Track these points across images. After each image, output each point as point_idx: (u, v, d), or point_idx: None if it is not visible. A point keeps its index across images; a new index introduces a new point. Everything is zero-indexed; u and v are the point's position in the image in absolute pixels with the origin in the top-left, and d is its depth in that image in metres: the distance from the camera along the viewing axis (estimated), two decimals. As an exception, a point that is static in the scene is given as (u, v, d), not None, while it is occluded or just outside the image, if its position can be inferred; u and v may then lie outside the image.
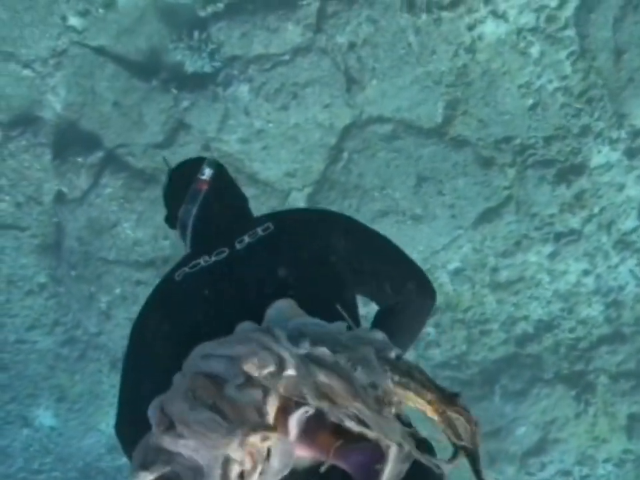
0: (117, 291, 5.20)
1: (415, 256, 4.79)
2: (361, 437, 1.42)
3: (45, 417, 5.87)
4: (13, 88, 5.07)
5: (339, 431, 1.45)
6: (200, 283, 2.04)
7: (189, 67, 4.83)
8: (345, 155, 4.87)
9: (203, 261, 2.09)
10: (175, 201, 2.45)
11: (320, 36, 4.68)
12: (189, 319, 1.98)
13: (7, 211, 5.29)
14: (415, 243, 4.97)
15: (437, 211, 4.91)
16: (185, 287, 2.08)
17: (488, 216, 4.95)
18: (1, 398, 5.80)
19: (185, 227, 2.37)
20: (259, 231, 2.11)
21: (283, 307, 1.72)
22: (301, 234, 2.12)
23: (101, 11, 4.85)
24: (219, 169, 2.48)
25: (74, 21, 4.92)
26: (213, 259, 2.07)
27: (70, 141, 5.08)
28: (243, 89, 4.76)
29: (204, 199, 2.38)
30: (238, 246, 2.09)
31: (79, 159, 5.03)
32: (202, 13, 4.76)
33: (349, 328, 1.72)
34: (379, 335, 1.65)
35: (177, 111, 4.90)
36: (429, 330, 5.22)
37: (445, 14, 4.56)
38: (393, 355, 1.58)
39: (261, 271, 2.00)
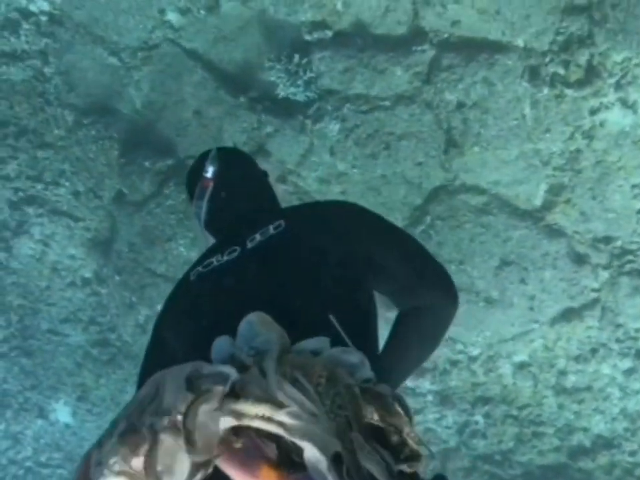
0: (158, 307, 4.91)
1: (479, 340, 4.52)
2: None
3: (62, 412, 5.67)
4: (95, 74, 4.79)
5: (283, 462, 1.38)
6: (211, 283, 2.05)
7: (281, 91, 4.47)
8: (428, 219, 4.47)
9: (215, 260, 2.08)
10: (191, 197, 2.51)
11: (428, 88, 4.26)
12: (199, 319, 1.98)
13: (65, 197, 5.04)
14: (483, 327, 4.56)
15: (515, 299, 4.48)
16: (197, 286, 2.09)
17: (568, 315, 4.50)
18: (23, 383, 5.62)
19: (201, 223, 2.44)
20: (271, 228, 2.08)
21: (254, 322, 1.65)
22: (312, 231, 2.09)
23: (202, 12, 4.51)
24: (224, 164, 2.47)
25: (172, 16, 4.60)
26: (225, 258, 2.05)
27: (141, 142, 4.79)
28: (334, 127, 4.38)
29: (211, 196, 2.41)
30: (249, 244, 2.06)
31: (146, 163, 4.74)
32: (307, 37, 4.38)
33: (337, 341, 1.69)
34: (354, 358, 1.63)
35: (259, 134, 4.56)
36: (477, 418, 4.83)
37: (568, 92, 4.10)
38: (364, 377, 1.60)
39: (269, 271, 1.97)
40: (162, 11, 4.59)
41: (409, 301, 2.17)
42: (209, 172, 2.45)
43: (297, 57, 4.39)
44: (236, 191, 2.46)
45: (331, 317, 1.76)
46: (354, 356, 1.62)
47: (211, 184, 2.43)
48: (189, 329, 2.00)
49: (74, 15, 4.69)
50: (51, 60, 4.82)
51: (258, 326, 1.62)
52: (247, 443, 1.35)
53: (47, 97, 4.89)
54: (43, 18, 4.74)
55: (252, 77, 4.59)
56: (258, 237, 2.08)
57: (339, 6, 4.27)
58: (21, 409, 5.69)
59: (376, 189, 4.47)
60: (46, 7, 4.72)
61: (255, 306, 1.75)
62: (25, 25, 4.76)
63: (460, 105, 4.26)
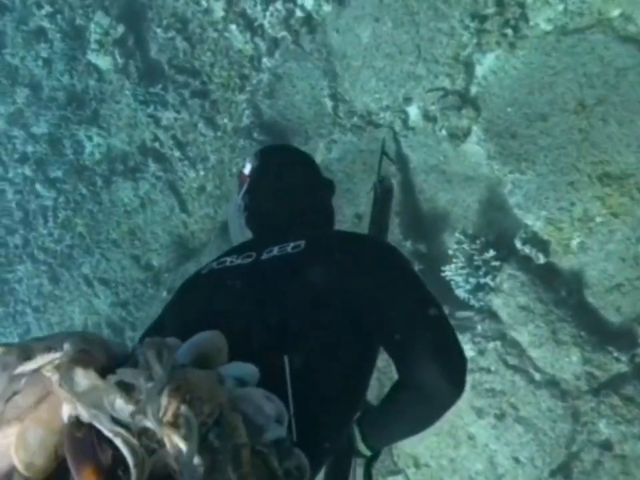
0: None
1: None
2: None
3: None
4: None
5: (110, 474, 1.22)
6: (213, 282, 2.03)
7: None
8: None
9: (229, 260, 2.05)
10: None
11: None
12: (187, 313, 1.99)
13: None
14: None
15: None
16: (201, 281, 2.09)
17: None
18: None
19: (239, 218, 2.36)
20: (290, 246, 2.00)
21: (205, 338, 1.50)
22: (325, 263, 1.95)
23: None
24: (265, 163, 2.35)
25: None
26: (238, 261, 2.02)
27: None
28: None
29: (246, 192, 2.34)
30: (264, 256, 2.01)
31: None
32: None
33: (276, 385, 1.54)
34: (269, 409, 1.43)
35: None
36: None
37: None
38: (272, 437, 1.38)
39: (262, 290, 1.90)
40: None
41: (408, 371, 1.88)
42: (247, 168, 2.34)
43: None
44: (270, 194, 2.32)
45: (285, 359, 1.63)
46: (270, 407, 1.41)
47: (247, 180, 2.34)
48: (176, 319, 2.00)
49: None
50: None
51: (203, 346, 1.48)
52: (85, 438, 1.23)
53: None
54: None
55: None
56: (275, 250, 2.00)
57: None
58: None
59: None
60: None
61: (230, 319, 1.78)
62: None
63: None
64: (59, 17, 7.11)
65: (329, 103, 5.65)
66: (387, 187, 2.97)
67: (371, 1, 5.36)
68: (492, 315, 4.61)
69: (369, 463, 2.16)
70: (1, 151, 7.64)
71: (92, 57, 6.75)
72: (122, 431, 1.21)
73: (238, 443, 1.28)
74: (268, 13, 5.88)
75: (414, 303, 1.90)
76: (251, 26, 6.06)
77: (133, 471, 1.18)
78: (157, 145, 6.65)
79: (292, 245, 1.99)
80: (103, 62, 6.72)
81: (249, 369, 1.47)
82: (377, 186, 2.97)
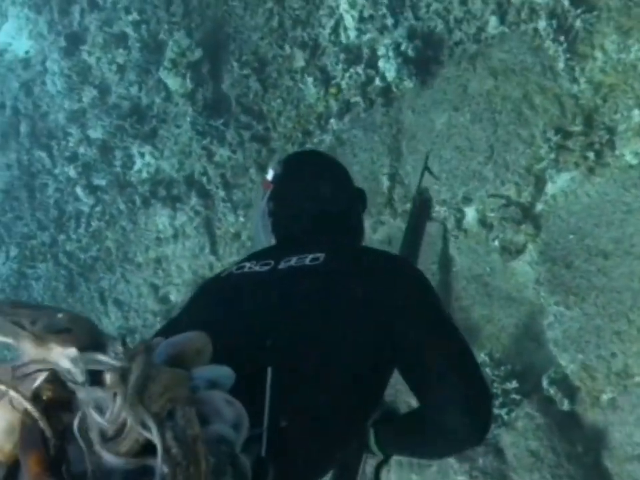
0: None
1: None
2: None
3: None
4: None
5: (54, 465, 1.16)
6: (231, 287, 2.00)
7: None
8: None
9: (248, 266, 2.00)
10: None
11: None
12: (203, 313, 1.96)
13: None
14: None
15: None
16: (220, 284, 2.07)
17: None
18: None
19: (262, 223, 2.31)
20: (308, 258, 1.92)
21: (184, 338, 1.42)
22: (342, 282, 1.87)
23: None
24: (290, 170, 2.29)
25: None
26: (256, 268, 1.97)
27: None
28: None
29: (269, 199, 2.28)
30: (282, 265, 1.94)
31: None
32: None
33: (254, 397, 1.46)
34: (229, 413, 1.33)
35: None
36: None
37: None
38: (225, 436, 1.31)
39: (283, 303, 1.83)
40: None
41: (433, 412, 1.78)
42: (269, 174, 2.29)
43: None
44: (293, 202, 2.26)
45: (268, 370, 1.52)
46: (228, 411, 1.33)
47: (270, 187, 2.27)
48: (186, 320, 1.96)
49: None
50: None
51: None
52: (33, 427, 1.17)
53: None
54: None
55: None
56: (293, 261, 1.93)
57: None
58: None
59: None
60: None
61: (235, 325, 1.74)
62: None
63: None
64: (143, 26, 6.98)
65: (385, 182, 5.34)
66: (425, 200, 2.95)
67: (455, 88, 5.10)
68: (497, 451, 4.25)
69: (380, 465, 2.14)
70: (54, 145, 7.51)
71: (163, 75, 6.56)
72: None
73: (190, 434, 1.21)
74: (347, 74, 5.62)
75: (446, 350, 1.81)
76: (327, 83, 5.80)
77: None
78: (204, 179, 6.41)
79: (311, 256, 1.93)
80: (172, 82, 6.53)
81: (223, 372, 1.39)
82: (416, 199, 2.95)
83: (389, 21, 5.51)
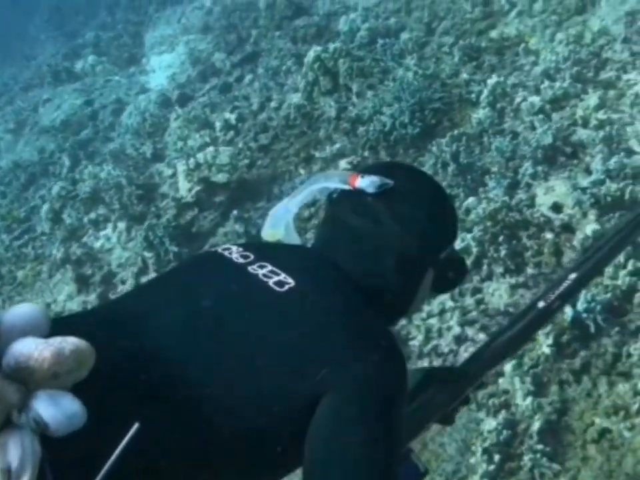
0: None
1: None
2: None
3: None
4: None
5: None
6: (201, 265, 1.78)
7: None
8: None
9: (232, 252, 1.72)
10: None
11: None
12: (160, 283, 1.83)
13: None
14: None
15: None
16: (196, 260, 1.92)
17: None
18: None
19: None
20: (279, 276, 1.61)
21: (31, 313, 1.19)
22: (291, 328, 1.53)
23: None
24: (394, 185, 1.72)
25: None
26: (235, 255, 1.71)
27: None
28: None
29: (340, 197, 1.79)
30: (251, 268, 1.65)
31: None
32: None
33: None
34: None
35: None
36: None
37: None
38: None
39: (228, 308, 1.58)
40: None
41: None
42: (373, 180, 1.71)
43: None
44: (360, 221, 1.74)
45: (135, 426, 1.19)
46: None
47: (355, 188, 1.71)
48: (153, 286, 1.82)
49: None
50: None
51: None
52: None
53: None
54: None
55: None
56: (263, 270, 1.64)
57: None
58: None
59: None
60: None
61: (162, 312, 1.56)
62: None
63: None
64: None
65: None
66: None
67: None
68: None
69: None
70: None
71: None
72: None
73: None
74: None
75: (361, 448, 1.38)
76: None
77: None
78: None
79: (282, 275, 1.62)
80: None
81: (72, 410, 1.14)
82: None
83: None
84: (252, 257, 1.69)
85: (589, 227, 4.59)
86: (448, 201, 1.86)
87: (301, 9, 9.37)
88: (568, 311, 4.18)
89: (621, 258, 4.22)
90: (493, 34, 6.87)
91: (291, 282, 1.59)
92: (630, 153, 5.10)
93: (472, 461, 4.04)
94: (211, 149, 6.96)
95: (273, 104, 7.53)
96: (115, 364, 1.32)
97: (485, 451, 3.98)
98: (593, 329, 4.17)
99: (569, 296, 1.94)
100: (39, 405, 1.11)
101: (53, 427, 1.11)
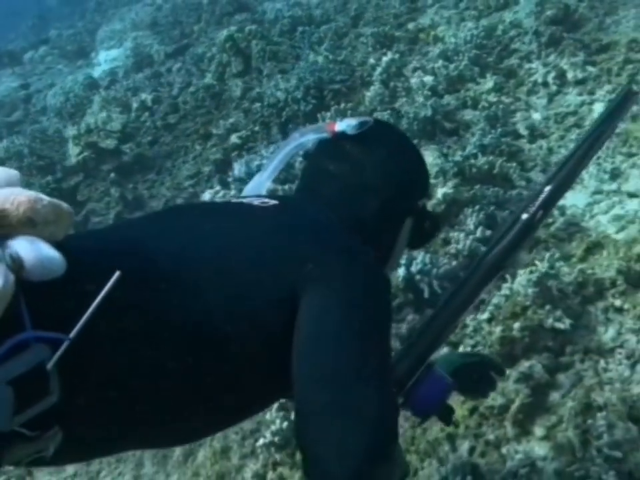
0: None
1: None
2: None
3: None
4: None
5: None
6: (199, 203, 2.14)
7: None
8: None
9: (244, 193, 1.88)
10: None
11: None
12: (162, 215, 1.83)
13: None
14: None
15: None
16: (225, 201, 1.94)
17: None
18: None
19: None
20: (267, 203, 1.66)
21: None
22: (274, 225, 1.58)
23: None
24: (367, 131, 1.78)
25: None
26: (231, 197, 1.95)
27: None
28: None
29: (321, 142, 1.86)
30: (243, 199, 1.73)
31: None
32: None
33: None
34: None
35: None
36: None
37: None
38: None
39: (210, 215, 1.65)
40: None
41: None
42: (350, 122, 1.77)
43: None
44: (341, 162, 1.79)
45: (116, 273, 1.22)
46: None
47: (334, 133, 1.79)
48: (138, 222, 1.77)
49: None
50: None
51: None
52: None
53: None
54: None
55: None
56: (256, 200, 1.67)
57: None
58: None
59: None
60: None
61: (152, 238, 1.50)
62: None
63: None
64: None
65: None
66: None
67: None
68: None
69: None
70: None
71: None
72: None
73: None
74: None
75: (345, 358, 1.34)
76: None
77: None
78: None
79: (269, 202, 1.65)
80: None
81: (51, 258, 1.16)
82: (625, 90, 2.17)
83: None
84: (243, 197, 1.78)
85: (440, 190, 4.25)
86: (418, 150, 1.92)
87: (243, 6, 9.32)
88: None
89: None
90: (410, 26, 6.69)
91: (275, 202, 1.66)
92: (514, 135, 4.84)
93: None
94: (103, 114, 6.73)
95: (191, 89, 7.34)
96: (97, 248, 1.38)
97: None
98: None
99: (550, 205, 1.90)
100: (16, 243, 1.12)
101: (29, 264, 1.12)
